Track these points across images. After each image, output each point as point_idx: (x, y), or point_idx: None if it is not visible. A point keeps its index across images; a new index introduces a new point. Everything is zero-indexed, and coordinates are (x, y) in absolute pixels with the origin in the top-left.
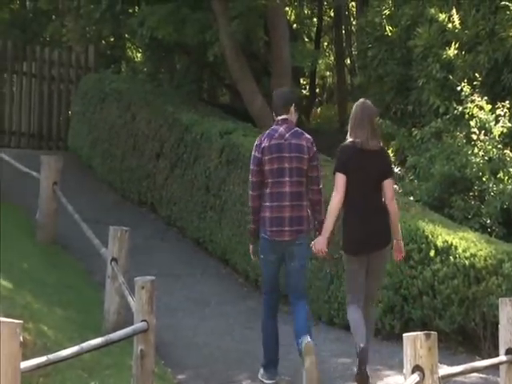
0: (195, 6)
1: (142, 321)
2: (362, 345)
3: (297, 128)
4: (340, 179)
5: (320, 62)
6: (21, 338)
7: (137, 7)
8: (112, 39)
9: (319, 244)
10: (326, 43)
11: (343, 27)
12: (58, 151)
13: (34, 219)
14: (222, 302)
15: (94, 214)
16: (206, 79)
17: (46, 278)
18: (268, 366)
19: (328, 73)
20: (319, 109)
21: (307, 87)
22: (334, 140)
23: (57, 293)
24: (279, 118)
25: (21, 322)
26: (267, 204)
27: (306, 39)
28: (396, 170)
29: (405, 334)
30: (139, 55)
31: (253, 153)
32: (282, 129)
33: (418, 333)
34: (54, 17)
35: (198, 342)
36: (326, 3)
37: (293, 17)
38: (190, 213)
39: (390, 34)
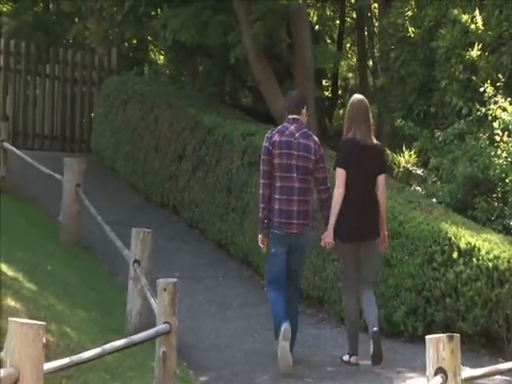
0: (218, 8)
1: (164, 323)
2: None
3: (306, 129)
4: (341, 175)
5: (342, 63)
6: (44, 340)
7: (159, 9)
8: (135, 41)
9: (327, 237)
10: (348, 45)
11: (365, 28)
12: (81, 153)
13: (57, 221)
14: (243, 304)
15: (117, 216)
16: (228, 81)
17: (68, 279)
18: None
19: (350, 74)
20: (341, 110)
21: (329, 89)
22: None
23: (80, 294)
24: (290, 116)
25: (44, 323)
26: (276, 196)
27: (329, 41)
28: (419, 171)
29: (427, 336)
30: (162, 57)
31: (264, 144)
32: (292, 127)
33: (441, 335)
34: (76, 19)
35: (219, 344)
36: (348, 4)
37: (315, 18)
38: (211, 215)
39: (412, 36)
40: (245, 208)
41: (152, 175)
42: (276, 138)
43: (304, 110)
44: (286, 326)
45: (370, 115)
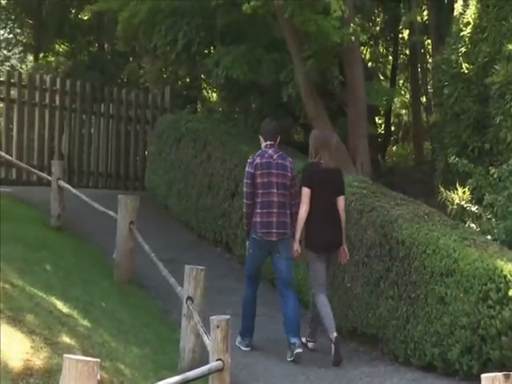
0: (270, 46)
1: (217, 360)
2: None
3: (281, 152)
4: (306, 193)
5: (395, 100)
6: (98, 377)
7: (212, 48)
8: (188, 80)
9: (295, 246)
10: (401, 81)
11: (419, 65)
12: (135, 191)
13: (111, 258)
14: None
15: (170, 253)
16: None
17: (122, 316)
18: (245, 334)
19: (403, 111)
20: (394, 147)
21: (382, 126)
22: (410, 178)
23: (133, 331)
24: (268, 143)
25: (98, 360)
26: (258, 211)
27: (382, 77)
28: (473, 208)
29: (483, 375)
30: (215, 95)
31: (246, 169)
32: (270, 151)
33: (497, 373)
34: (131, 58)
35: (273, 383)
36: (401, 41)
37: (368, 55)
38: None
39: (466, 72)
40: None
41: (205, 212)
42: (258, 160)
43: (279, 138)
44: (298, 350)
45: (333, 145)
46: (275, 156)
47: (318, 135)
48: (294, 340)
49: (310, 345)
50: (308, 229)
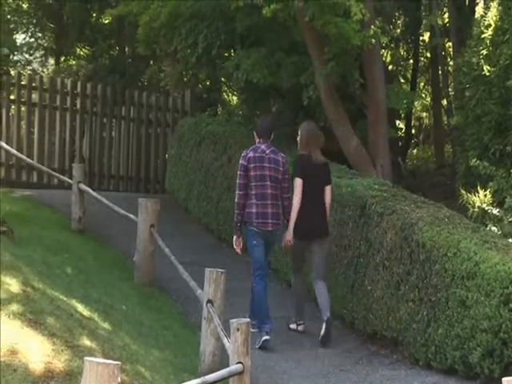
0: (290, 49)
1: (238, 363)
2: (302, 321)
3: (274, 147)
4: (299, 184)
5: (416, 103)
6: (119, 379)
7: (232, 51)
8: (208, 83)
9: (288, 236)
10: (422, 84)
11: (440, 67)
12: (156, 194)
13: (131, 261)
14: (317, 344)
15: (190, 256)
16: (300, 121)
17: (143, 319)
18: (262, 326)
19: (424, 114)
20: (415, 150)
21: (403, 128)
22: (431, 181)
23: (154, 334)
24: (261, 139)
25: (119, 363)
26: (253, 202)
27: (402, 80)
28: (494, 211)
29: (504, 378)
30: (235, 98)
31: (240, 161)
32: (263, 146)
33: None
34: (151, 62)
35: None
36: (422, 44)
37: (388, 58)
38: (284, 255)
39: (487, 74)
40: None
41: (225, 215)
42: (251, 154)
43: (272, 135)
44: (266, 338)
45: (319, 137)
46: (268, 151)
47: (309, 128)
48: (264, 324)
49: (299, 328)
50: (297, 217)
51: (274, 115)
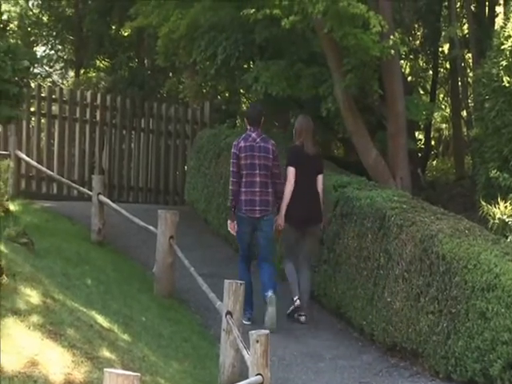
0: (309, 60)
1: (257, 374)
2: (297, 296)
3: (264, 135)
4: (292, 172)
5: (435, 114)
6: None
7: (251, 62)
8: (227, 94)
9: (279, 220)
10: (441, 95)
11: (459, 79)
12: (175, 205)
13: (151, 272)
14: (336, 356)
15: (210, 268)
16: (319, 133)
17: (162, 331)
18: (246, 309)
19: (444, 125)
20: (435, 162)
21: (422, 140)
22: (451, 193)
23: (173, 346)
24: (252, 127)
25: (138, 374)
26: (243, 189)
27: (422, 92)
28: None
29: None
30: None
31: (232, 150)
32: (254, 135)
33: None
34: (170, 73)
35: None
36: (441, 55)
37: (408, 69)
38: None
39: (507, 85)
40: (337, 259)
41: None
42: (242, 143)
43: (262, 121)
44: (271, 294)
45: (312, 130)
46: (258, 139)
47: (303, 121)
48: (267, 293)
49: (302, 319)
50: (289, 204)
51: (260, 103)
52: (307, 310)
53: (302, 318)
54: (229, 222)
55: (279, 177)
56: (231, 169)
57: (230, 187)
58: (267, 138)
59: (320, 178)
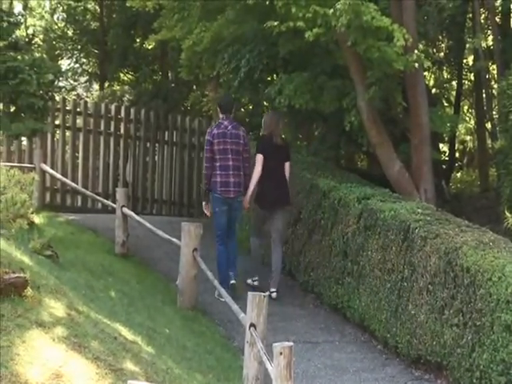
0: (332, 73)
1: None
2: (257, 278)
3: (236, 122)
4: (260, 159)
5: (460, 126)
6: None
7: (275, 75)
8: (250, 107)
9: (245, 202)
10: (466, 107)
11: (484, 90)
12: (198, 218)
13: (174, 285)
14: (360, 369)
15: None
16: (343, 145)
17: (186, 343)
18: (222, 285)
19: (468, 137)
20: (459, 174)
21: (447, 152)
22: (475, 205)
23: (197, 358)
24: (224, 115)
25: None
26: (218, 172)
27: (446, 104)
28: None
29: None
30: None
31: (206, 137)
32: (226, 122)
33: None
34: (194, 86)
35: None
36: (465, 67)
37: (432, 81)
38: (327, 279)
39: None
40: (361, 272)
41: (268, 239)
42: (215, 131)
43: (233, 109)
44: (233, 282)
45: (281, 123)
46: (230, 127)
47: (273, 115)
48: (230, 273)
49: (255, 283)
50: (259, 188)
51: (229, 94)
52: (278, 286)
53: (274, 294)
54: (203, 203)
55: (248, 161)
56: (205, 155)
57: (204, 172)
58: (238, 125)
59: (287, 165)
